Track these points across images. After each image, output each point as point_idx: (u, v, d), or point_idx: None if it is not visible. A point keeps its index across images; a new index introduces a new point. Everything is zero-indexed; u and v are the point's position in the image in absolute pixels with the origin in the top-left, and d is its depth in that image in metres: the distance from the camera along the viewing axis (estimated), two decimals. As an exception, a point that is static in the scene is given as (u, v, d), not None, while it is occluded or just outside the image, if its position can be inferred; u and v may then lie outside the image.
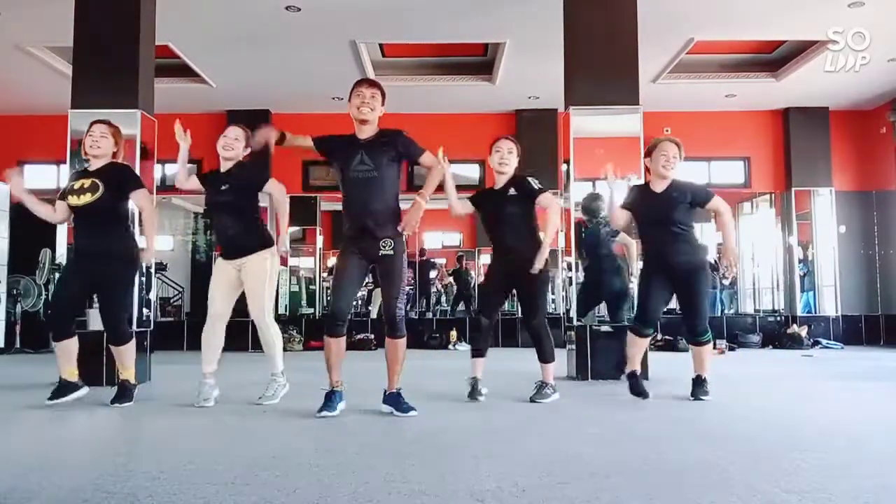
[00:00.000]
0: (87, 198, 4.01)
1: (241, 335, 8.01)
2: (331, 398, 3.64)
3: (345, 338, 3.69)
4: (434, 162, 3.78)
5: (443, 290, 11.66)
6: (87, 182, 4.05)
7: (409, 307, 10.46)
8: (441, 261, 11.78)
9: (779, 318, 10.04)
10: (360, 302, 10.95)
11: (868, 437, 3.19)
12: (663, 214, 4.26)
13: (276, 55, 7.99)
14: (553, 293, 10.26)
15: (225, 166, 4.21)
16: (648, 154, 4.40)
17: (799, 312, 9.91)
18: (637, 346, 4.39)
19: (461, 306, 10.98)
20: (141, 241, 5.22)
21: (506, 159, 4.27)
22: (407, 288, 8.68)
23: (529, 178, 4.27)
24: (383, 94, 3.72)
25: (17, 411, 4.01)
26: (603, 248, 6.06)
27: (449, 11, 6.94)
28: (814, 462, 2.61)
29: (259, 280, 4.14)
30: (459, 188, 4.41)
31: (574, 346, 5.59)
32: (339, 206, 3.87)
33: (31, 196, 4.18)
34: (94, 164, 4.15)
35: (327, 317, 3.68)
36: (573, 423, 3.70)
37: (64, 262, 5.15)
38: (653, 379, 5.09)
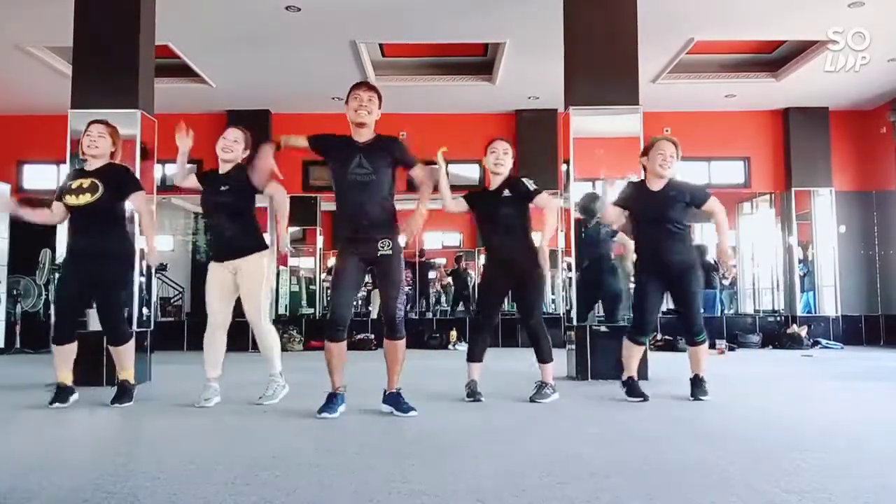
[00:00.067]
0: (86, 198, 4.01)
1: (241, 335, 7.96)
2: (332, 400, 3.64)
3: (346, 341, 3.69)
4: (424, 176, 3.82)
5: (442, 291, 11.66)
6: (85, 182, 4.05)
7: (408, 307, 10.46)
8: (441, 261, 11.78)
9: (779, 319, 10.04)
10: (360, 302, 10.95)
11: (868, 437, 3.20)
12: (660, 213, 4.26)
13: (276, 55, 7.99)
14: (553, 293, 10.26)
15: (224, 168, 4.20)
16: (645, 153, 4.39)
17: (799, 312, 9.91)
18: (634, 354, 4.38)
19: (460, 306, 10.98)
20: (139, 243, 5.28)
21: (501, 160, 4.27)
22: (406, 288, 8.70)
23: (524, 180, 4.27)
24: (380, 98, 3.74)
25: (17, 411, 4.01)
26: (602, 249, 6.07)
27: (449, 11, 6.94)
28: (814, 462, 2.61)
29: (256, 282, 4.13)
30: (459, 188, 4.41)
31: (574, 346, 5.59)
32: (339, 207, 3.85)
33: (25, 209, 4.21)
34: (92, 165, 4.15)
35: (328, 322, 3.67)
36: (573, 423, 3.70)
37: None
38: (653, 379, 5.09)
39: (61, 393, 4.04)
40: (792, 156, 10.01)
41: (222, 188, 4.11)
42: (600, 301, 5.94)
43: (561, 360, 5.83)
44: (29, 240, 8.28)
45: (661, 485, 2.30)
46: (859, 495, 2.15)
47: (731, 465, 2.56)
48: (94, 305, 4.24)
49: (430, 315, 10.90)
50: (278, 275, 10.36)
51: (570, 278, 5.83)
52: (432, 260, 11.70)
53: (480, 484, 2.29)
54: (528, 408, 4.03)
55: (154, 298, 6.63)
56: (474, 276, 10.87)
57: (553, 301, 10.55)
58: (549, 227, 4.22)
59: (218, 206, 4.14)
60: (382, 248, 3.63)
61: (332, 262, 8.06)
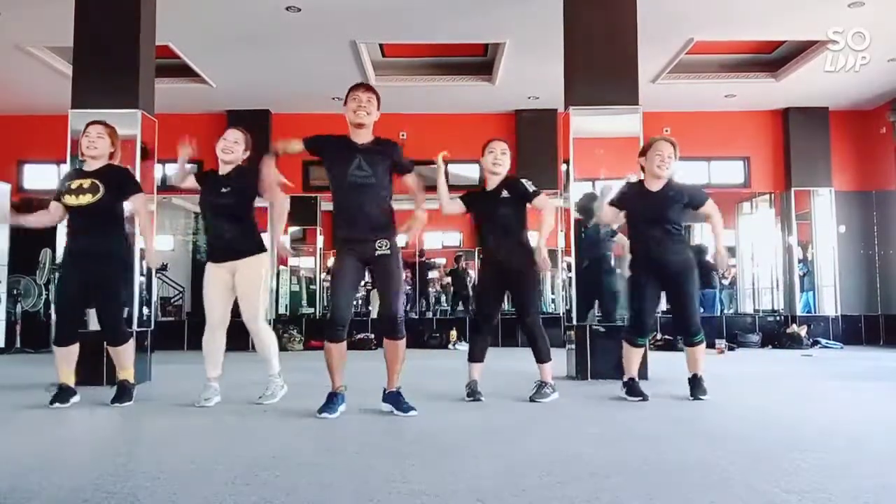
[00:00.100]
0: (87, 198, 4.02)
1: (241, 335, 7.98)
2: (332, 400, 3.64)
3: (345, 342, 3.69)
4: (418, 186, 3.84)
5: (441, 291, 11.65)
6: (86, 182, 4.05)
7: (408, 307, 10.46)
8: (441, 261, 11.78)
9: (778, 318, 10.05)
10: (359, 302, 10.95)
11: (868, 437, 3.20)
12: (659, 213, 4.26)
13: (276, 55, 8.00)
14: (553, 293, 10.27)
15: (224, 169, 4.19)
16: (643, 153, 4.39)
17: (798, 312, 9.91)
18: (633, 357, 4.37)
19: (460, 306, 10.98)
20: (139, 243, 5.29)
21: (499, 160, 4.28)
22: (406, 288, 8.69)
23: (523, 180, 4.28)
24: (378, 99, 3.74)
25: (17, 411, 4.01)
26: (602, 249, 6.06)
27: (449, 11, 6.94)
28: (814, 462, 2.61)
29: (254, 285, 4.13)
30: (459, 188, 4.41)
31: (574, 346, 5.59)
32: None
33: (26, 217, 4.22)
34: (92, 165, 4.15)
35: (328, 322, 3.67)
36: (573, 423, 3.70)
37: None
38: (653, 379, 5.09)
39: (62, 393, 4.04)
40: (792, 156, 10.02)
41: (223, 190, 4.10)
42: (598, 301, 5.93)
43: (561, 360, 5.83)
44: (29, 240, 8.27)
45: (661, 485, 2.30)
46: (859, 495, 2.15)
47: (731, 465, 2.56)
48: (95, 306, 4.23)
49: (430, 315, 10.90)
50: (278, 275, 10.37)
51: (570, 278, 5.83)
52: (432, 260, 11.70)
53: (480, 484, 2.29)
54: (528, 408, 4.03)
55: (154, 298, 6.63)
56: (473, 275, 10.87)
57: (553, 301, 10.56)
58: (547, 228, 4.20)
59: (218, 208, 4.14)
60: (380, 247, 3.63)
61: (332, 262, 8.08)
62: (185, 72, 8.41)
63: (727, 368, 6.50)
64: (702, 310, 4.47)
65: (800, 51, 8.22)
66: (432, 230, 11.64)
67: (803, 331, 9.35)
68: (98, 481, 2.33)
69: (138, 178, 5.34)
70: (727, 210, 11.36)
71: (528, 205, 4.24)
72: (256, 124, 9.20)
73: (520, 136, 9.82)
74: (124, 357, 4.22)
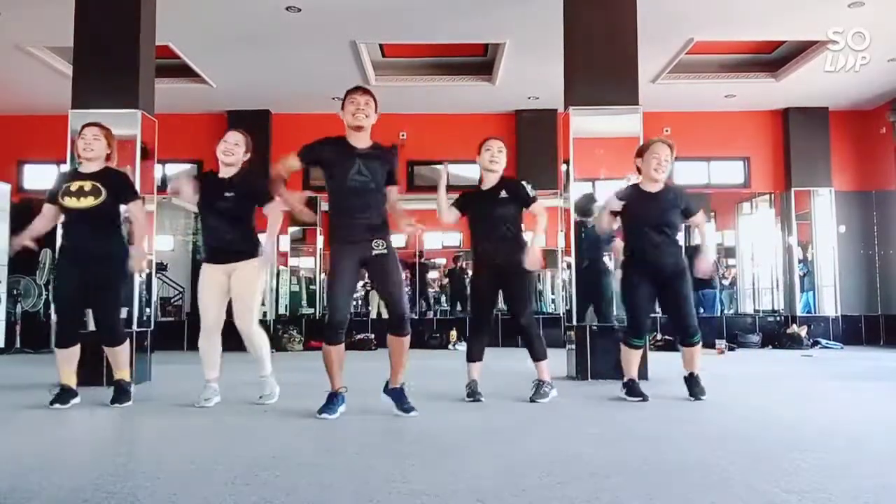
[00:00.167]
0: (89, 201, 4.03)
1: (239, 336, 8.01)
2: (333, 400, 3.64)
3: (344, 343, 3.69)
4: (396, 199, 3.81)
5: (441, 291, 11.65)
6: (87, 185, 4.05)
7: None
8: (441, 261, 11.78)
9: (778, 318, 10.05)
10: (359, 302, 10.95)
11: (868, 437, 3.20)
12: (659, 216, 4.26)
13: (276, 55, 8.00)
14: (553, 293, 10.27)
15: (226, 171, 4.18)
16: (640, 154, 4.37)
17: (799, 312, 9.91)
18: (632, 358, 4.37)
19: (458, 306, 10.98)
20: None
21: (496, 158, 4.29)
22: (406, 289, 8.68)
23: (524, 183, 4.30)
24: (376, 102, 3.74)
25: (17, 411, 4.01)
26: (602, 250, 6.07)
27: (449, 11, 6.94)
28: (814, 462, 2.61)
29: (250, 287, 4.14)
30: (460, 188, 4.41)
31: (574, 346, 5.59)
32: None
33: (30, 232, 4.19)
34: (88, 167, 4.15)
35: (328, 325, 3.65)
36: (573, 423, 3.71)
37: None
38: (653, 379, 5.09)
39: (63, 394, 4.04)
40: (792, 156, 10.02)
41: (227, 194, 4.09)
42: (593, 303, 5.92)
43: (561, 360, 5.84)
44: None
45: (661, 485, 2.30)
46: (859, 495, 2.15)
47: (731, 465, 2.56)
48: (93, 306, 4.23)
49: (430, 315, 10.90)
50: (278, 275, 10.37)
51: (570, 278, 5.83)
52: (432, 260, 11.70)
53: (480, 484, 2.29)
54: (528, 408, 4.03)
55: (154, 298, 6.63)
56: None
57: (553, 301, 10.56)
58: (541, 229, 4.22)
59: (221, 211, 4.12)
60: (377, 247, 3.64)
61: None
62: (185, 72, 8.41)
63: (727, 369, 6.50)
64: (702, 310, 4.48)
65: (800, 51, 8.22)
66: (432, 230, 11.63)
67: (803, 331, 9.34)
68: (98, 481, 2.33)
69: (138, 177, 5.39)
70: (727, 210, 11.40)
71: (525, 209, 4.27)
72: (256, 124, 9.22)
73: (520, 136, 9.82)
74: (121, 357, 4.22)
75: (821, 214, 9.99)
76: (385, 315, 10.54)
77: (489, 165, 4.30)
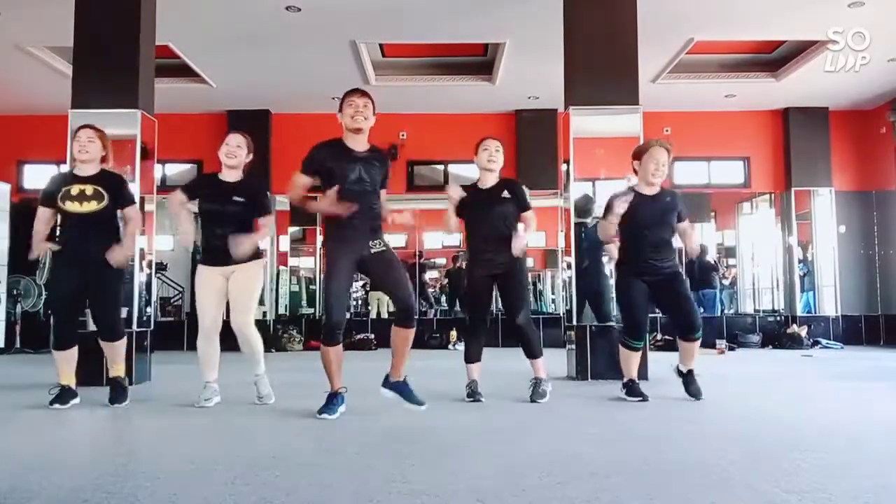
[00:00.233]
0: (92, 206, 4.05)
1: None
2: (332, 400, 3.64)
3: (342, 343, 3.70)
4: (385, 202, 3.81)
5: (441, 291, 11.65)
6: (88, 189, 4.07)
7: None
8: (441, 261, 11.78)
9: (779, 318, 10.05)
10: (359, 302, 10.95)
11: (868, 437, 3.19)
12: (659, 219, 4.27)
13: (276, 55, 8.00)
14: (553, 293, 10.26)
15: (229, 174, 4.18)
16: (637, 157, 4.35)
17: (799, 312, 9.91)
18: (631, 360, 4.36)
19: (458, 306, 10.98)
20: (139, 243, 5.33)
21: (494, 157, 4.31)
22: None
23: (524, 187, 4.36)
24: (374, 104, 3.74)
25: (17, 411, 4.01)
26: (600, 251, 6.06)
27: (449, 11, 6.94)
28: (814, 462, 2.61)
29: (249, 289, 4.16)
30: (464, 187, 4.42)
31: (574, 346, 5.59)
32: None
33: (41, 236, 4.15)
34: (85, 170, 4.16)
35: (327, 326, 3.65)
36: (573, 423, 3.71)
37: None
38: (653, 379, 5.09)
39: (63, 394, 4.05)
40: (792, 156, 10.01)
41: (235, 198, 4.10)
42: (588, 301, 5.91)
43: (561, 360, 5.84)
44: (29, 240, 8.27)
45: (661, 485, 2.30)
46: (859, 495, 2.14)
47: (731, 465, 2.56)
48: (92, 304, 4.24)
49: (430, 315, 10.90)
50: (278, 275, 10.38)
51: (570, 278, 5.83)
52: (432, 260, 11.70)
53: (480, 484, 2.29)
54: (528, 408, 4.03)
55: (154, 298, 6.63)
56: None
57: (553, 301, 10.56)
58: (530, 230, 4.30)
59: (228, 216, 4.13)
60: (376, 245, 3.66)
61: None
62: (185, 72, 8.41)
63: (727, 368, 6.50)
64: (702, 310, 4.48)
65: (800, 51, 8.22)
66: (432, 230, 11.65)
67: (803, 331, 9.34)
68: (98, 481, 2.33)
69: (138, 177, 5.41)
70: (727, 210, 11.41)
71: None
72: (256, 124, 9.23)
73: (520, 136, 9.81)
74: (119, 352, 4.26)
75: (821, 214, 9.99)
76: (385, 315, 10.58)
77: (487, 165, 4.31)
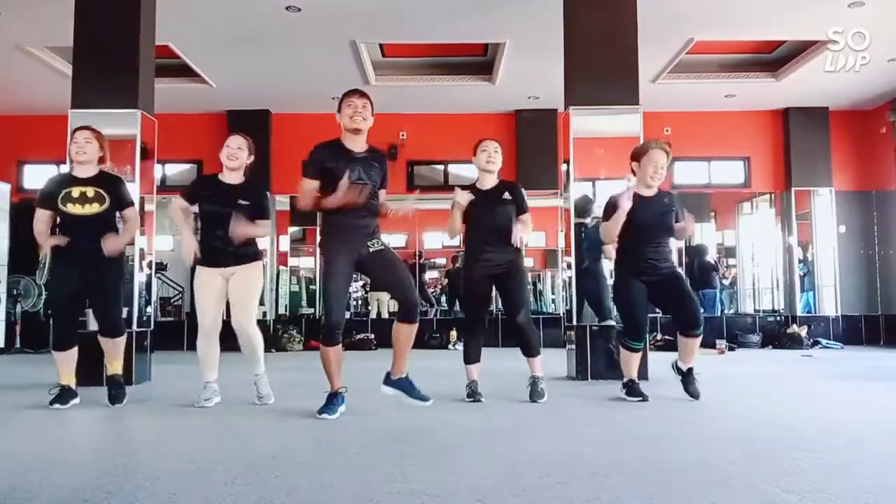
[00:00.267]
0: (94, 208, 4.08)
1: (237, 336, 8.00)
2: (332, 400, 3.64)
3: (342, 343, 3.70)
4: (384, 199, 3.83)
5: (440, 292, 11.65)
6: (89, 191, 4.08)
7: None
8: (441, 261, 11.78)
9: (779, 318, 10.04)
10: (359, 302, 10.95)
11: (868, 437, 3.20)
12: (659, 220, 4.27)
13: (276, 55, 7.99)
14: (553, 293, 10.26)
15: (231, 176, 4.18)
16: (636, 158, 4.34)
17: (799, 312, 9.91)
18: (631, 360, 4.36)
19: (457, 306, 10.97)
20: (139, 243, 5.33)
21: (493, 158, 4.32)
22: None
23: (523, 190, 4.37)
24: (372, 105, 3.74)
25: (17, 411, 4.01)
26: (600, 251, 6.07)
27: (449, 11, 6.94)
28: (814, 462, 2.61)
29: (250, 289, 4.17)
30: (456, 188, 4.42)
31: (574, 346, 5.59)
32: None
33: (45, 235, 4.14)
34: (83, 171, 4.16)
35: (326, 327, 3.65)
36: (573, 423, 3.71)
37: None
38: (653, 379, 5.09)
39: (63, 394, 4.05)
40: (792, 156, 10.01)
41: (241, 202, 4.10)
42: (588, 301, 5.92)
43: (561, 360, 5.84)
44: (29, 240, 8.26)
45: (661, 485, 2.30)
46: (859, 495, 2.15)
47: (731, 465, 2.56)
48: (93, 302, 4.26)
49: (430, 315, 10.90)
50: (278, 275, 10.37)
51: (570, 278, 5.83)
52: (432, 260, 11.70)
53: (480, 484, 2.29)
54: (528, 408, 4.04)
55: (154, 298, 6.63)
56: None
57: (553, 301, 10.56)
58: (528, 228, 4.31)
59: (230, 217, 4.14)
60: (374, 244, 3.66)
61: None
62: (185, 72, 8.41)
63: (727, 368, 6.50)
64: (702, 310, 4.46)
65: (800, 51, 8.21)
66: (432, 230, 11.65)
67: (803, 331, 9.34)
68: (98, 481, 2.33)
69: (138, 177, 5.42)
70: (727, 210, 11.41)
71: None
72: (256, 124, 9.23)
73: (520, 136, 9.81)
74: (120, 349, 4.28)
75: (821, 214, 9.99)
76: (385, 315, 10.57)
77: (486, 166, 4.32)
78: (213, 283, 4.12)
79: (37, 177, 9.90)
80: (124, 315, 4.93)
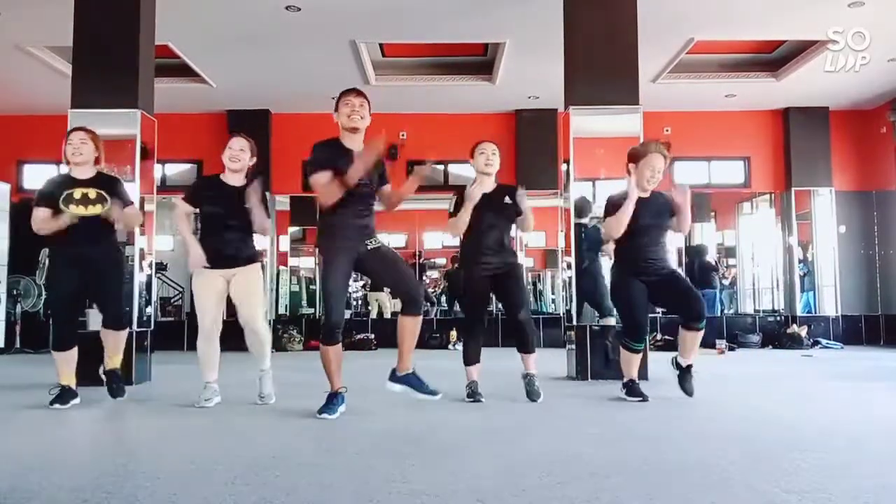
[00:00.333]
0: (97, 209, 4.09)
1: (240, 336, 7.98)
2: (332, 400, 3.64)
3: (341, 343, 3.70)
4: (390, 190, 3.86)
5: (441, 292, 11.65)
6: (91, 192, 4.09)
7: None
8: (441, 261, 11.78)
9: (779, 318, 10.04)
10: (359, 302, 10.95)
11: (868, 437, 3.20)
12: (657, 220, 4.28)
13: (276, 55, 7.99)
14: (553, 293, 10.26)
15: (233, 178, 4.19)
16: (633, 160, 4.32)
17: (799, 312, 9.90)
18: (632, 361, 4.35)
19: (457, 306, 10.96)
20: (139, 243, 5.35)
21: (491, 160, 4.31)
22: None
23: (521, 192, 4.37)
24: (370, 104, 3.75)
25: (17, 411, 4.01)
26: (599, 251, 6.08)
27: (449, 11, 6.94)
28: (814, 462, 2.61)
29: (255, 288, 4.21)
30: (454, 188, 4.42)
31: (574, 346, 5.59)
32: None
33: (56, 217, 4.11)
34: (81, 172, 4.17)
35: (327, 326, 3.65)
36: (573, 423, 3.71)
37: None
38: (652, 379, 5.09)
39: (63, 394, 4.06)
40: (792, 156, 10.01)
41: (247, 206, 4.11)
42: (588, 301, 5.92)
43: (561, 359, 5.85)
44: (29, 240, 8.25)
45: (661, 485, 2.30)
46: (859, 495, 2.14)
47: (731, 465, 2.56)
48: (96, 297, 4.29)
49: (430, 315, 10.90)
50: (278, 275, 10.37)
51: (570, 278, 5.83)
52: (432, 260, 11.70)
53: (480, 484, 2.29)
54: (528, 408, 4.04)
55: (154, 298, 6.63)
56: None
57: (553, 301, 10.55)
58: (530, 219, 4.34)
59: (238, 221, 4.15)
60: (372, 242, 3.67)
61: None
62: (185, 72, 8.41)
63: (727, 368, 6.50)
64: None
65: (800, 51, 8.21)
66: (432, 230, 11.65)
67: (803, 331, 9.34)
68: (98, 481, 2.33)
69: (138, 177, 5.42)
70: (727, 210, 11.41)
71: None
72: (256, 124, 9.23)
73: (520, 136, 9.81)
74: (122, 343, 4.32)
75: (821, 214, 9.99)
76: (387, 315, 10.56)
77: (485, 168, 4.32)
78: (214, 284, 4.13)
79: (37, 177, 9.89)
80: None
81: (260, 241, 4.43)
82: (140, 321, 5.48)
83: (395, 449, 2.94)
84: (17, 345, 8.74)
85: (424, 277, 11.40)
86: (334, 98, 3.78)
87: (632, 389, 4.29)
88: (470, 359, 4.36)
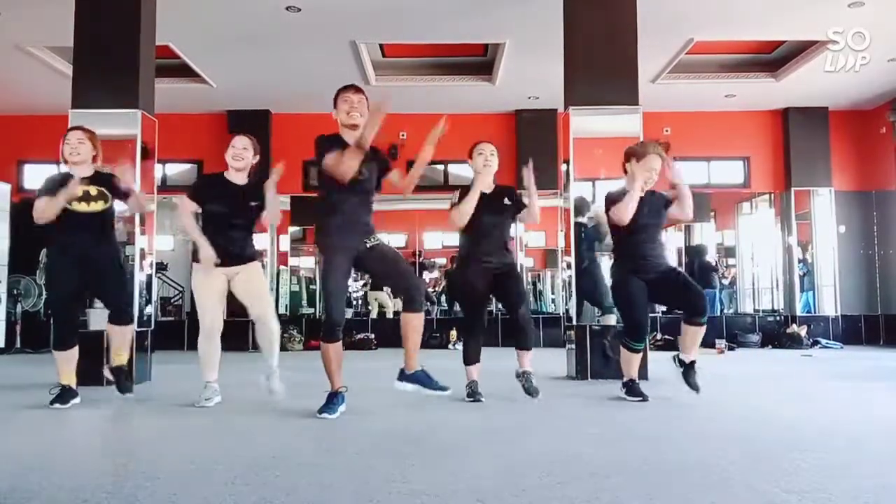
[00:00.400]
0: (99, 205, 4.12)
1: (241, 335, 8.01)
2: (332, 400, 3.64)
3: (342, 341, 3.70)
4: (401, 173, 3.87)
5: (440, 292, 11.65)
6: (92, 190, 4.11)
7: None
8: (441, 261, 11.78)
9: (778, 318, 10.04)
10: (359, 302, 10.95)
11: (868, 437, 3.20)
12: (654, 218, 4.30)
13: (276, 55, 7.99)
14: (553, 293, 10.25)
15: (237, 177, 4.21)
16: (630, 159, 4.32)
17: (798, 312, 9.90)
18: (632, 360, 4.36)
19: (456, 306, 10.96)
20: (140, 243, 5.35)
21: (489, 161, 4.31)
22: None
23: (520, 192, 4.37)
24: (368, 101, 3.74)
25: (17, 411, 4.01)
26: (598, 250, 6.08)
27: (449, 11, 6.94)
28: (814, 462, 2.61)
29: (263, 284, 4.31)
30: (454, 188, 4.42)
31: (574, 346, 5.59)
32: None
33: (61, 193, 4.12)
34: (80, 171, 4.17)
35: (327, 325, 3.65)
36: (573, 423, 3.71)
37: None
38: (652, 379, 5.09)
39: (64, 394, 4.06)
40: (791, 156, 10.01)
41: (252, 204, 4.13)
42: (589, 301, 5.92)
43: (561, 359, 5.85)
44: (29, 240, 8.28)
45: (661, 485, 2.30)
46: (859, 495, 2.15)
47: (731, 465, 2.56)
48: (98, 294, 4.30)
49: (430, 315, 10.90)
50: (278, 274, 10.37)
51: (570, 278, 5.83)
52: (432, 260, 11.70)
53: (480, 484, 2.29)
54: (528, 408, 4.04)
55: (154, 298, 6.64)
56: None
57: (553, 301, 10.55)
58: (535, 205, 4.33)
59: (243, 219, 4.18)
60: (369, 241, 3.67)
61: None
62: (185, 72, 8.40)
63: (727, 368, 6.50)
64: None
65: (800, 51, 8.21)
66: (432, 230, 11.64)
67: (803, 331, 9.34)
68: (98, 481, 2.33)
69: (138, 177, 5.40)
70: (727, 210, 11.40)
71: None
72: (256, 124, 9.21)
73: (520, 136, 9.81)
74: (128, 339, 4.33)
75: (821, 214, 9.98)
76: (389, 315, 10.55)
77: (483, 169, 4.31)
78: (214, 283, 4.13)
79: (37, 177, 9.87)
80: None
81: (260, 241, 4.43)
82: (140, 321, 5.47)
83: (395, 449, 2.94)
84: (18, 344, 8.74)
85: (424, 277, 11.38)
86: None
87: (632, 389, 4.29)
88: (470, 358, 4.36)
